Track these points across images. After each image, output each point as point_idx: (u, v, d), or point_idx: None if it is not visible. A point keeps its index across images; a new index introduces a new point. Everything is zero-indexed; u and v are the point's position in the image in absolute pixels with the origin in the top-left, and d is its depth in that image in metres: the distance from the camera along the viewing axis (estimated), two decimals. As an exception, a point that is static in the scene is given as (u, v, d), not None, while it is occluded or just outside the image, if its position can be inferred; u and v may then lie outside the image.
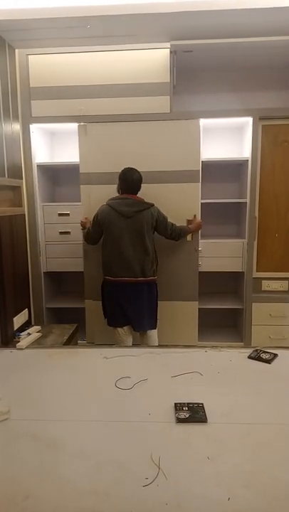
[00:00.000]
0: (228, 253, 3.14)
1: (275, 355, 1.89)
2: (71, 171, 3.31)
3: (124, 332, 2.73)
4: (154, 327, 2.78)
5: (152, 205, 2.68)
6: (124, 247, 2.61)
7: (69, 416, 1.44)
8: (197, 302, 3.08)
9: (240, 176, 3.38)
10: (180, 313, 3.09)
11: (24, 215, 2.98)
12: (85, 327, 3.17)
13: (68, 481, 1.11)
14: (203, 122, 2.94)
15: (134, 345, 2.77)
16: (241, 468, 1.15)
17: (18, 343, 2.18)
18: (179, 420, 1.37)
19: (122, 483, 1.10)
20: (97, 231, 2.73)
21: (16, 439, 1.31)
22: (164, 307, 2.95)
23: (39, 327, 2.63)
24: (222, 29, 2.54)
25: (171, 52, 2.79)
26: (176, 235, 2.79)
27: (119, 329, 2.73)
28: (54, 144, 3.48)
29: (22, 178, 2.98)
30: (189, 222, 2.95)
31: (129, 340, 2.77)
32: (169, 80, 2.86)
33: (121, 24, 2.47)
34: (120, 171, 2.68)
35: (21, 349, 2.12)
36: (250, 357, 1.89)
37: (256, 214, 3.04)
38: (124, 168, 2.68)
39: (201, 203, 3.00)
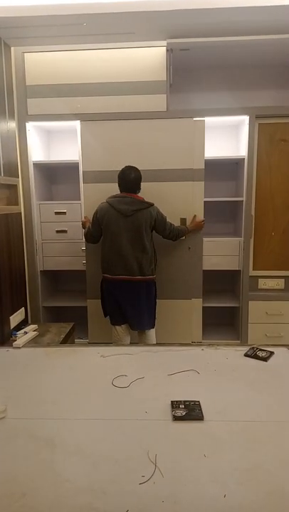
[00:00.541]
0: (225, 251, 3.15)
1: (272, 353, 1.90)
2: (68, 169, 3.31)
3: (122, 330, 2.73)
4: (152, 326, 2.78)
5: (152, 204, 2.67)
6: (123, 245, 2.61)
7: (66, 414, 1.44)
8: (201, 300, 3.10)
9: (236, 175, 3.38)
10: (180, 311, 3.10)
11: (20, 213, 2.97)
12: (82, 326, 3.16)
13: (65, 479, 1.12)
14: (200, 120, 2.93)
15: (132, 343, 2.77)
16: (237, 465, 1.15)
17: (15, 342, 2.18)
18: (176, 418, 1.38)
19: (119, 481, 1.11)
20: (96, 229, 2.72)
21: (13, 438, 1.31)
22: (163, 305, 2.96)
23: (36, 326, 2.63)
24: (218, 27, 2.54)
25: (167, 50, 2.79)
26: (174, 235, 2.79)
27: (117, 327, 2.73)
28: (50, 143, 3.48)
29: (18, 177, 2.97)
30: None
31: (127, 339, 2.78)
32: (165, 78, 2.85)
33: (117, 22, 2.46)
34: (119, 169, 2.67)
35: (18, 348, 2.11)
36: (246, 355, 1.90)
37: (253, 212, 3.05)
38: (124, 167, 2.68)
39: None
